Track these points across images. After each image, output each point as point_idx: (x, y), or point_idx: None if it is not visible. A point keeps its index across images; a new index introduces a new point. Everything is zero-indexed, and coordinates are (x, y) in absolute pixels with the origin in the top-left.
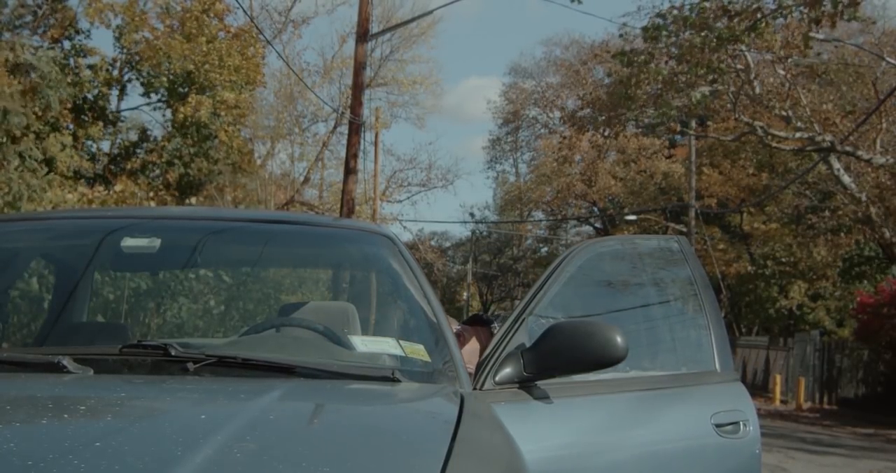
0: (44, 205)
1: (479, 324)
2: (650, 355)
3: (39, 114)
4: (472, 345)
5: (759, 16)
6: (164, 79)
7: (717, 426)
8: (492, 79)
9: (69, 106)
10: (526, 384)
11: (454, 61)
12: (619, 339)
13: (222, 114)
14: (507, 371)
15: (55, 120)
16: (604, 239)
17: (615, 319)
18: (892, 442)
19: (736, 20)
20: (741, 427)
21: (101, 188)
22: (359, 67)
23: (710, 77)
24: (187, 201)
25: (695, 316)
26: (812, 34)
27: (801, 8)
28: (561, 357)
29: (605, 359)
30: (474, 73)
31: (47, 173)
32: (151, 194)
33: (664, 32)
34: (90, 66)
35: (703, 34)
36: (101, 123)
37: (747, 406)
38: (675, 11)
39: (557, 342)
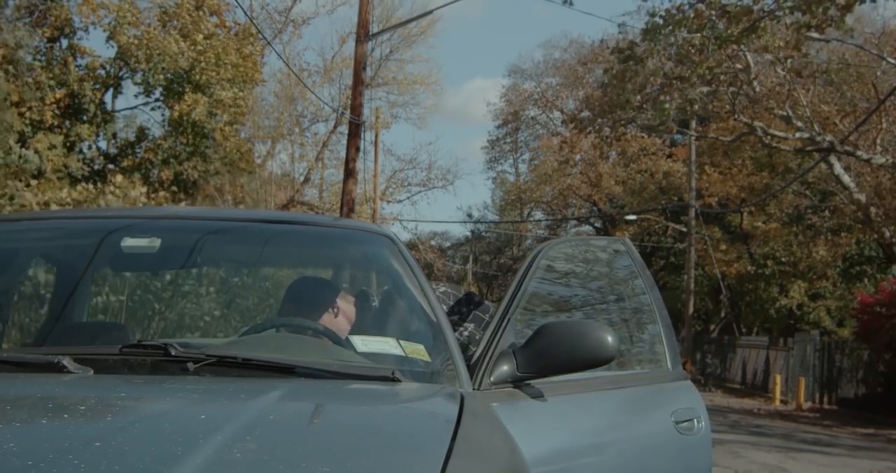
0: (37, 204)
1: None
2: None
3: (24, 111)
4: (350, 315)
5: (757, 18)
6: (161, 77)
7: (676, 423)
8: (496, 80)
9: (56, 103)
10: (519, 383)
11: (458, 63)
12: (609, 339)
13: (218, 112)
14: (501, 370)
15: (39, 119)
16: (558, 241)
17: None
18: (892, 442)
19: (734, 22)
20: (695, 424)
21: (91, 187)
22: (359, 68)
23: (709, 77)
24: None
25: (645, 316)
26: (811, 34)
27: (798, 13)
28: (554, 356)
29: (597, 359)
30: (479, 75)
31: (36, 175)
32: (152, 194)
33: (663, 32)
34: (86, 66)
35: (703, 33)
36: (92, 123)
37: (699, 404)
38: (674, 12)
39: (550, 341)
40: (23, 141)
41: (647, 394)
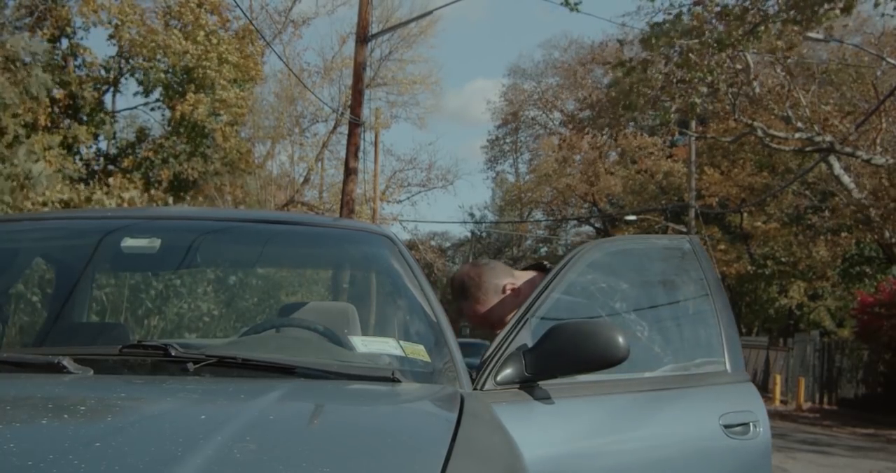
0: (35, 205)
1: (536, 271)
2: (661, 355)
3: (22, 113)
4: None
5: (756, 22)
6: (161, 76)
7: (726, 427)
8: (496, 81)
9: (55, 103)
10: (527, 384)
11: (459, 64)
12: (620, 339)
13: (220, 112)
14: (508, 371)
15: (34, 120)
16: (614, 239)
17: (625, 319)
18: (892, 442)
19: (734, 24)
20: (751, 428)
21: (84, 189)
22: (359, 69)
23: (709, 79)
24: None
25: (706, 317)
26: (810, 34)
27: (793, 12)
28: (562, 357)
29: (607, 360)
30: (479, 75)
31: (28, 174)
32: (144, 194)
33: (663, 39)
34: (85, 66)
35: (703, 38)
36: (91, 124)
37: (758, 407)
38: (673, 18)
39: (559, 342)
40: (17, 139)
41: (690, 396)
